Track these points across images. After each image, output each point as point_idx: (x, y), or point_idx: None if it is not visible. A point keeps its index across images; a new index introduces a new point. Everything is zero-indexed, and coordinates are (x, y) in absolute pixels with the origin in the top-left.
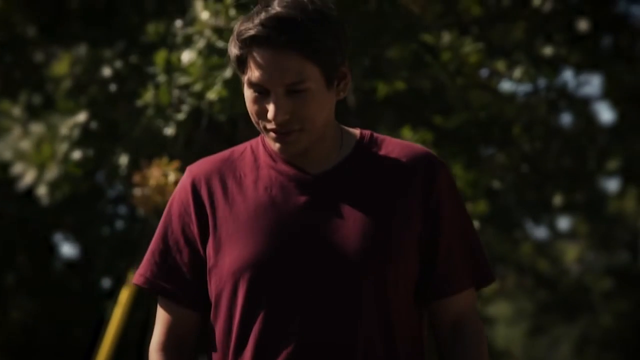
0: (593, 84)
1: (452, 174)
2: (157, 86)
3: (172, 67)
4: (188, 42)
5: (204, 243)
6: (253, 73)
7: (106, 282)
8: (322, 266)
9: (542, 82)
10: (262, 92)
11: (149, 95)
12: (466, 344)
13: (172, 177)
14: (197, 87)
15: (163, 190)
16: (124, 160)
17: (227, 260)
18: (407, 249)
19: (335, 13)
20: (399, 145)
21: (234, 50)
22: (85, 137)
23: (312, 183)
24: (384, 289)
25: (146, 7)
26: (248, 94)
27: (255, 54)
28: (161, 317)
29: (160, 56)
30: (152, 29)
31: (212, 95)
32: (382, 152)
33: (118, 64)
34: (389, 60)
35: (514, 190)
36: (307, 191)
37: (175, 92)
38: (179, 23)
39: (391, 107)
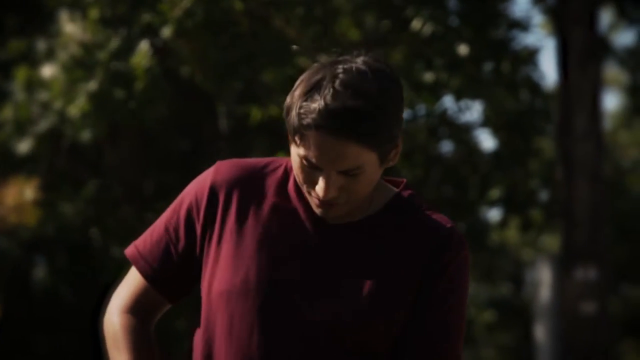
0: (474, 110)
1: (466, 259)
2: (16, 103)
3: (33, 83)
4: (51, 55)
5: (202, 242)
6: (308, 151)
7: None
8: (300, 319)
9: (421, 108)
10: (314, 167)
11: (7, 112)
12: None
13: (29, 195)
14: (58, 103)
15: (21, 209)
16: None
17: (219, 278)
18: (389, 324)
19: (397, 79)
20: (427, 216)
21: (293, 120)
22: None
23: (327, 232)
24: (353, 356)
25: (7, 24)
26: (297, 161)
27: (314, 136)
28: (132, 286)
29: (21, 72)
30: (14, 46)
31: (73, 110)
32: (407, 220)
33: None
34: (263, 84)
35: None
36: (319, 239)
37: (36, 109)
38: (42, 39)
39: (265, 133)
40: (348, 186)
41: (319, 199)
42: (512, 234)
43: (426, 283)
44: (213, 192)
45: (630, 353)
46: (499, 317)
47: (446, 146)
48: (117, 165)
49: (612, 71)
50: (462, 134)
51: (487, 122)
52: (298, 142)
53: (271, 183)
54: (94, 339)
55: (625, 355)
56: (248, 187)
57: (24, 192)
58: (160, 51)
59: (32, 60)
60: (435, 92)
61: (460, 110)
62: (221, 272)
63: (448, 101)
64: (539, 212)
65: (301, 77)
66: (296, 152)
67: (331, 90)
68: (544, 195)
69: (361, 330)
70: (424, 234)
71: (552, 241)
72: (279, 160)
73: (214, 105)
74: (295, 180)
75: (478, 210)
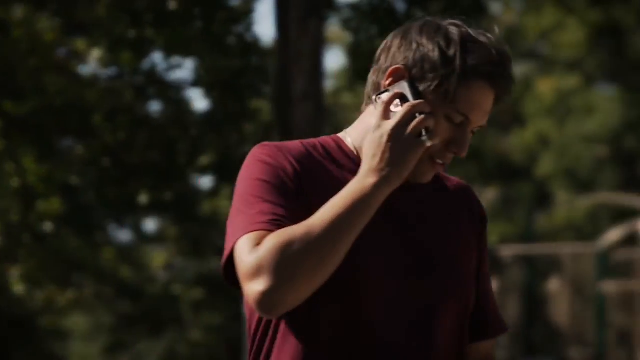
0: (185, 68)
1: None
2: None
3: None
4: None
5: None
6: (466, 103)
7: None
8: (400, 283)
9: (127, 65)
10: (461, 124)
11: None
12: None
13: None
14: None
15: None
16: None
17: None
18: (473, 281)
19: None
20: (446, 177)
21: (457, 70)
22: None
23: (401, 194)
24: (457, 319)
25: None
26: (444, 122)
27: (480, 87)
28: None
29: None
30: None
31: None
32: (439, 180)
33: None
34: None
35: (94, 187)
36: (396, 202)
37: None
38: None
39: None
40: None
41: (442, 159)
42: (225, 204)
43: (480, 240)
44: (292, 162)
45: None
46: (207, 295)
47: (154, 106)
48: None
49: (336, 28)
50: (172, 93)
51: (199, 81)
52: (456, 96)
53: (320, 158)
54: None
55: None
56: (315, 162)
57: None
58: None
59: None
60: (139, 48)
61: (170, 68)
62: None
63: (157, 58)
64: None
65: (415, 42)
66: (442, 113)
67: (498, 45)
68: None
69: (463, 295)
70: (459, 193)
71: None
72: (304, 140)
73: None
74: (341, 150)
75: (188, 177)
